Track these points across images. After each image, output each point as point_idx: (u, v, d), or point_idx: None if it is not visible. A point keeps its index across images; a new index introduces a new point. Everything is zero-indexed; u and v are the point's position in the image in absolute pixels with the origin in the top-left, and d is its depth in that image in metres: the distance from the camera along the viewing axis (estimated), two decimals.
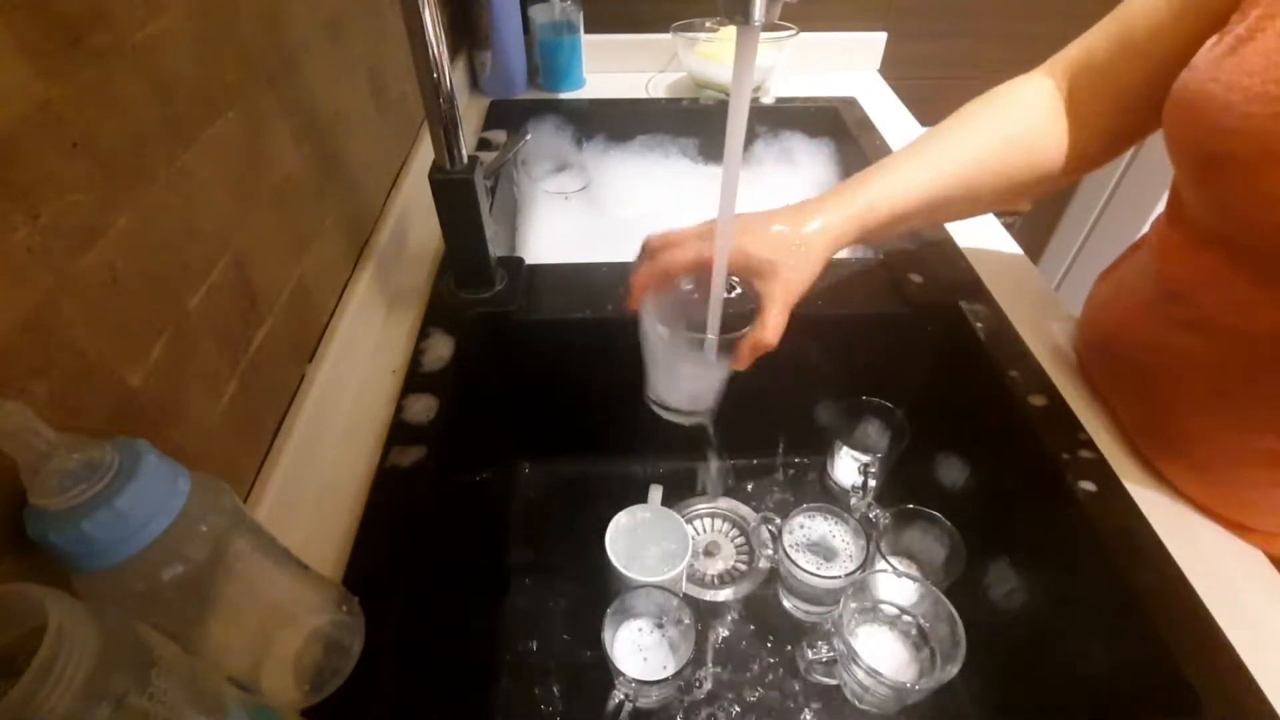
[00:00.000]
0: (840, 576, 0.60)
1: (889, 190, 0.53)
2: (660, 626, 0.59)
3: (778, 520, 0.66)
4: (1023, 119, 0.55)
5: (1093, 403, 0.59)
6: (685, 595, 0.66)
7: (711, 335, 0.50)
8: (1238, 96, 0.40)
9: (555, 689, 0.62)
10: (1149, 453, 0.54)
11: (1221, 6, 0.45)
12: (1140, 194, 1.40)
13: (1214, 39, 0.44)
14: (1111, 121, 0.54)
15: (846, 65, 1.23)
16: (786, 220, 0.52)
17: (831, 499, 0.74)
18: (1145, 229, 0.58)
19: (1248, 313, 0.44)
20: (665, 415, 0.55)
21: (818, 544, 0.66)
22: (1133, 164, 1.41)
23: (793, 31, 1.07)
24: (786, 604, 0.66)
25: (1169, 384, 0.51)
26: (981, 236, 0.79)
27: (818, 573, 0.60)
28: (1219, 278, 0.46)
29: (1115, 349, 0.57)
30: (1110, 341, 0.58)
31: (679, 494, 0.76)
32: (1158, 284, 0.52)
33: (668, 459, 0.79)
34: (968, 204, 0.57)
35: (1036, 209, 1.46)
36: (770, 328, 0.49)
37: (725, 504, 0.76)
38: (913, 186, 0.54)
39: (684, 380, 0.53)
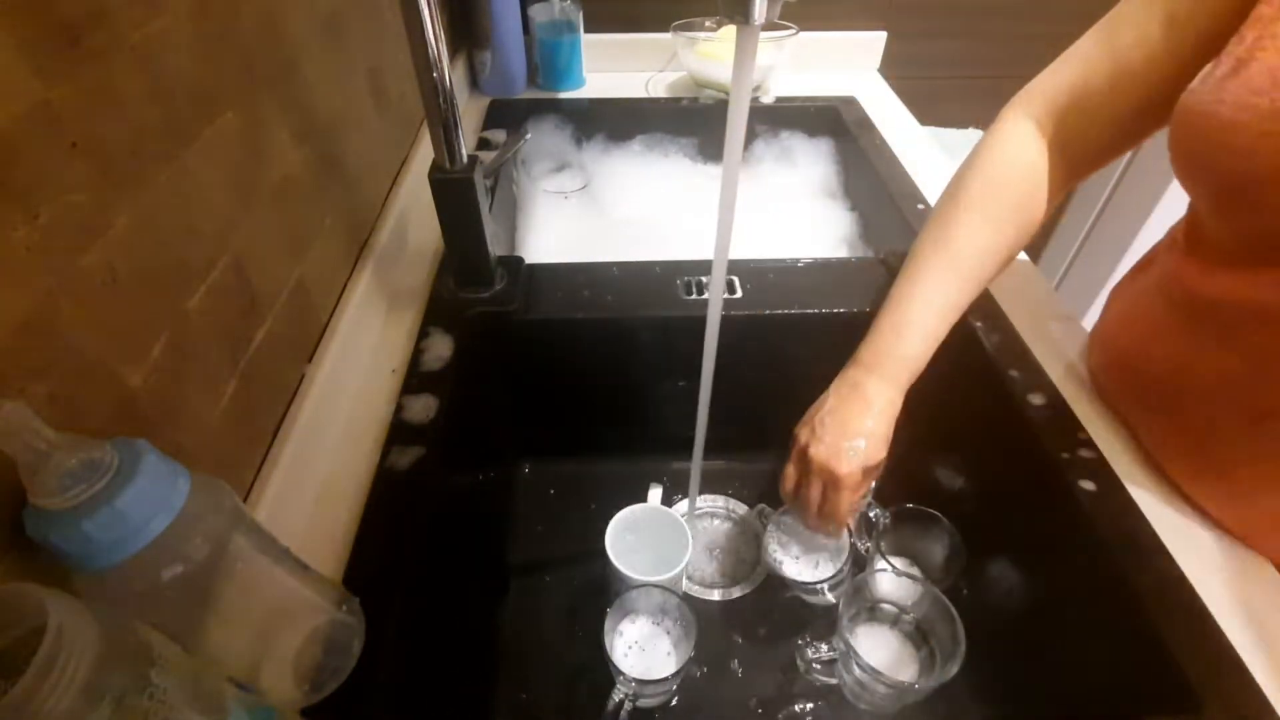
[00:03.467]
0: (823, 580, 0.61)
1: (920, 348, 0.55)
2: (660, 626, 0.59)
3: (768, 511, 0.66)
4: (1014, 197, 0.56)
5: (1094, 404, 0.59)
6: (685, 594, 0.66)
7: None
8: (1248, 116, 0.39)
9: (555, 688, 0.62)
10: (1175, 476, 0.53)
11: (1213, 27, 0.44)
12: (1139, 194, 1.40)
13: (1210, 65, 0.43)
14: (1103, 150, 0.54)
15: (846, 65, 1.23)
16: (849, 419, 0.54)
17: None
18: (1145, 232, 0.58)
19: None
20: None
21: (805, 538, 0.66)
22: (1131, 164, 1.41)
23: (792, 31, 1.07)
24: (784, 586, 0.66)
25: (1203, 408, 0.49)
26: None
27: (799, 578, 0.61)
28: (1243, 294, 0.44)
29: (1137, 367, 0.56)
30: (1132, 362, 0.56)
31: (679, 493, 0.76)
32: (1181, 300, 0.51)
33: (667, 458, 0.79)
34: (975, 296, 0.58)
35: None
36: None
37: (725, 504, 0.76)
38: (943, 325, 0.55)
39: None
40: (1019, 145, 0.56)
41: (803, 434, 0.55)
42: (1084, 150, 0.54)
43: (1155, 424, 0.55)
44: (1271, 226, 0.42)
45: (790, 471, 0.56)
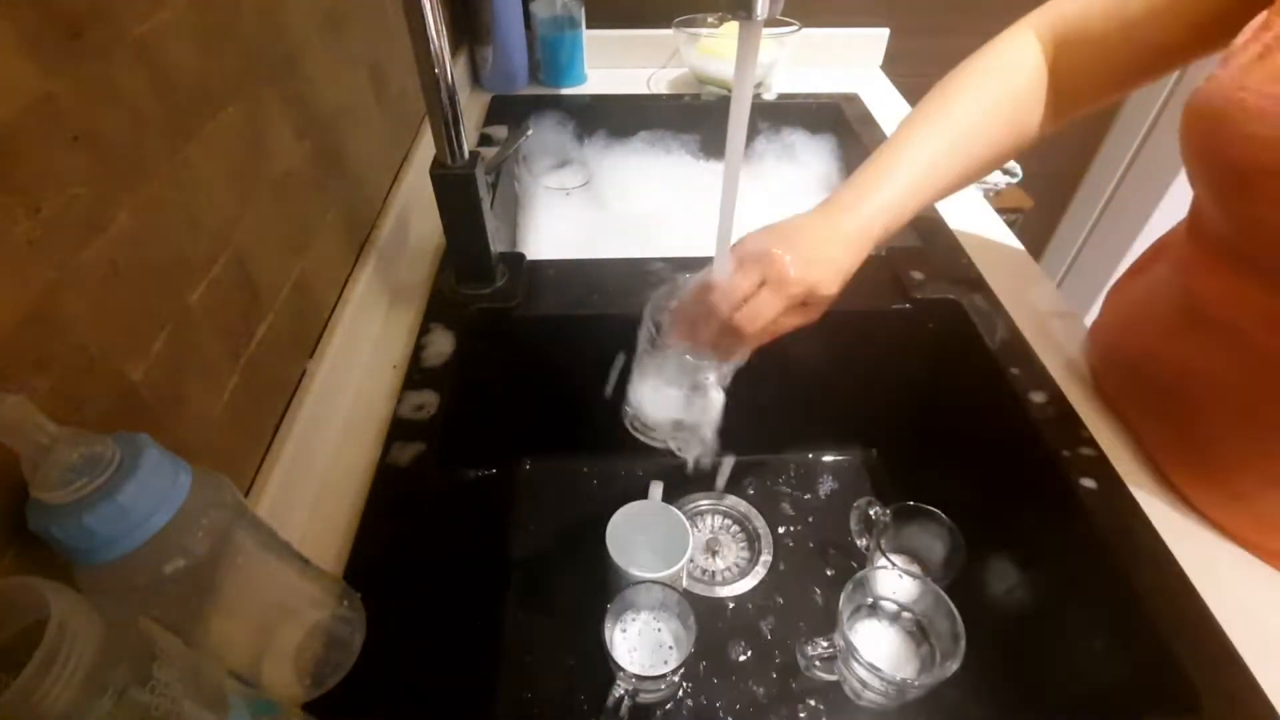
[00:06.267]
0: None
1: (900, 200, 0.53)
2: (661, 622, 0.59)
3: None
4: (1010, 90, 0.55)
5: (1095, 403, 0.59)
6: (686, 591, 0.66)
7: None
8: (1270, 104, 0.38)
9: (556, 684, 0.62)
10: (1176, 479, 0.52)
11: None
12: (1141, 193, 1.39)
13: (1227, 52, 0.42)
14: (1095, 88, 0.54)
15: (849, 61, 1.23)
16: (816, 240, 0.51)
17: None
18: (1148, 230, 0.57)
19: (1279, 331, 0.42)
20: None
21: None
22: (1135, 160, 1.41)
23: (795, 27, 1.07)
24: None
25: (1199, 408, 0.49)
26: (984, 233, 0.79)
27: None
28: (1250, 296, 0.44)
29: (1138, 368, 0.55)
30: (1132, 360, 0.56)
31: (680, 490, 0.76)
32: (1184, 302, 0.50)
33: (668, 455, 0.79)
34: (962, 184, 0.56)
35: (1039, 206, 1.46)
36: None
37: (727, 501, 0.76)
38: (924, 191, 0.53)
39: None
40: (1022, 51, 0.55)
41: (765, 240, 0.49)
42: (1075, 81, 0.54)
43: (1155, 427, 0.54)
44: (1269, 220, 0.41)
45: (738, 278, 0.48)
